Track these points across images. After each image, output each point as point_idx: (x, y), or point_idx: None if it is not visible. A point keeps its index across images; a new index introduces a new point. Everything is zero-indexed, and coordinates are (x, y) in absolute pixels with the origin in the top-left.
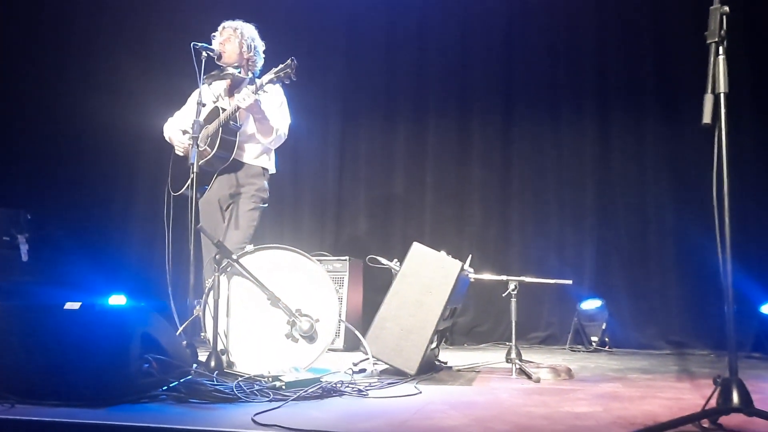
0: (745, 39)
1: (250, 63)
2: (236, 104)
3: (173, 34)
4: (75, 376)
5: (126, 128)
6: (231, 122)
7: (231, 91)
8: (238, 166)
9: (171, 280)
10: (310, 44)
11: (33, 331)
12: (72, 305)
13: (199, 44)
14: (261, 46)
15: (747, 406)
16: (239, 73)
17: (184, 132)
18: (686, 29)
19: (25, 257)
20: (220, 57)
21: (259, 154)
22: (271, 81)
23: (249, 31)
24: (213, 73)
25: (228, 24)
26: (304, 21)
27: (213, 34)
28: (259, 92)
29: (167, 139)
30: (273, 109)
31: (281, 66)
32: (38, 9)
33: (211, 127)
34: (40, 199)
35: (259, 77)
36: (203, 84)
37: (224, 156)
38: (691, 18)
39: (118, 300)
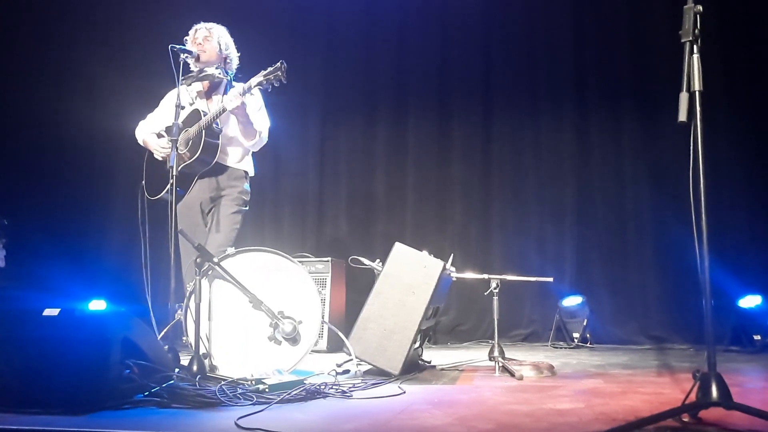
0: (719, 38)
1: (226, 62)
2: (223, 106)
3: (150, 37)
4: (54, 382)
5: (104, 132)
6: (214, 125)
7: (209, 92)
8: (221, 169)
9: (149, 284)
10: (289, 45)
11: (11, 337)
12: (51, 311)
13: (177, 46)
14: (233, 46)
15: (726, 400)
16: (219, 74)
17: (159, 135)
18: (662, 29)
19: (2, 263)
20: (198, 58)
21: (241, 157)
22: (260, 83)
23: (223, 31)
24: (191, 74)
25: (201, 25)
26: (283, 22)
27: (185, 37)
28: (246, 94)
29: (141, 143)
30: (253, 112)
31: (270, 69)
32: (14, 14)
33: (192, 130)
34: (18, 203)
35: (236, 78)
36: (181, 85)
37: (207, 159)
38: (666, 18)
39: (97, 305)
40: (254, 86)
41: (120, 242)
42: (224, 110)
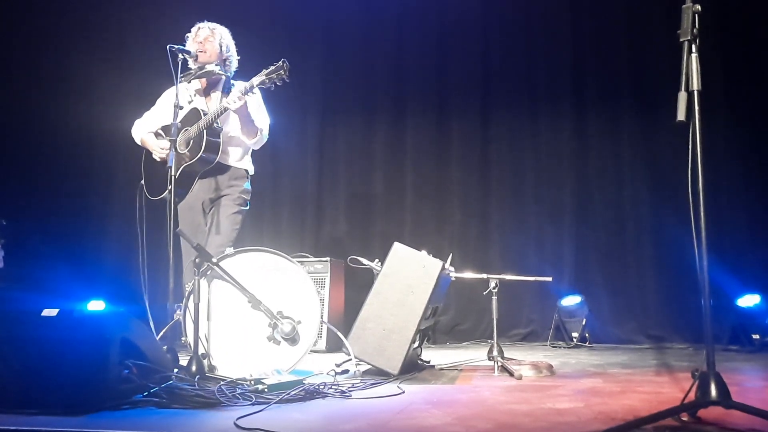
0: (718, 37)
1: (226, 63)
2: (224, 106)
3: (149, 37)
4: (53, 383)
5: (102, 132)
6: (215, 124)
7: (208, 90)
8: (222, 169)
9: (147, 284)
10: (288, 44)
11: (10, 338)
12: (49, 311)
13: (176, 46)
14: (234, 49)
15: (725, 399)
16: (219, 70)
17: (157, 134)
18: (660, 29)
19: (1, 263)
20: (197, 57)
21: (242, 156)
22: (262, 83)
23: (226, 33)
24: (190, 71)
25: (204, 25)
26: (282, 21)
27: (186, 35)
28: (248, 94)
29: (138, 142)
30: (254, 110)
31: (272, 68)
32: (13, 14)
33: (192, 130)
34: (17, 204)
35: (234, 77)
36: (181, 82)
37: (209, 158)
38: (665, 18)
39: (96, 305)
40: (256, 85)
41: (119, 242)
42: (225, 110)
